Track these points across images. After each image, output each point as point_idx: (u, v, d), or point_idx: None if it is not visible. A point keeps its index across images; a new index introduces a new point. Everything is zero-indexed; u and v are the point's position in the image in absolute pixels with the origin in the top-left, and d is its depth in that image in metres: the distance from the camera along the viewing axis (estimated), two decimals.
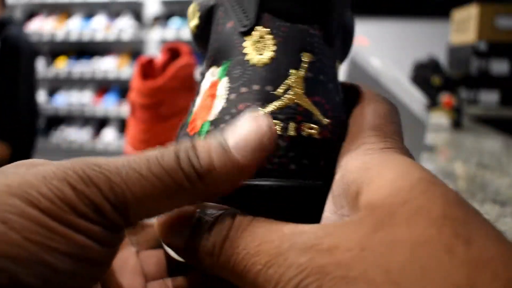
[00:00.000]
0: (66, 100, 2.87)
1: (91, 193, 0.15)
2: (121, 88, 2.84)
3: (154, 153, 0.16)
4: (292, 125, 0.18)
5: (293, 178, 0.18)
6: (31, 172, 0.15)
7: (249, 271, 0.15)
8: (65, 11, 2.92)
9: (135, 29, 2.70)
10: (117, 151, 2.73)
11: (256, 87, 0.19)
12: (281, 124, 0.18)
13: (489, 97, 1.64)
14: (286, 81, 0.19)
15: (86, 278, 0.15)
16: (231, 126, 0.17)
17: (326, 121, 0.19)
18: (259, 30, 0.20)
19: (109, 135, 2.81)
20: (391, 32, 2.52)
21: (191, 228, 0.17)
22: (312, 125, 0.18)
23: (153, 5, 2.75)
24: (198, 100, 0.22)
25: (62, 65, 2.82)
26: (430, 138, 0.92)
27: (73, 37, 2.77)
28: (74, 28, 2.77)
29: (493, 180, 0.60)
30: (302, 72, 0.19)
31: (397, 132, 0.19)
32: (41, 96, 2.91)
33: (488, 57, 1.63)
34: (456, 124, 1.09)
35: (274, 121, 0.18)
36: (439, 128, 1.08)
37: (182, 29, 2.62)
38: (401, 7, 2.55)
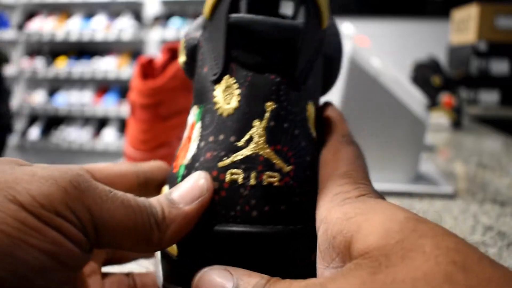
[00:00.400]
0: (66, 100, 2.87)
1: (76, 198, 0.16)
2: (121, 88, 2.84)
3: (129, 195, 0.18)
4: (253, 175, 0.19)
5: (255, 224, 0.19)
6: (20, 170, 0.16)
7: None
8: (65, 11, 2.92)
9: (135, 29, 2.70)
10: (117, 151, 2.73)
11: (221, 137, 0.20)
12: (243, 174, 0.19)
13: (489, 97, 1.64)
14: (249, 131, 0.20)
15: (57, 279, 0.15)
16: (176, 186, 0.20)
17: (288, 168, 0.20)
18: (227, 80, 0.21)
19: (109, 135, 2.81)
20: (391, 32, 2.52)
21: None
22: (272, 173, 0.19)
23: (153, 5, 2.75)
24: (185, 134, 0.23)
25: (62, 65, 2.82)
26: (430, 138, 0.92)
27: (73, 37, 2.77)
28: (74, 28, 2.77)
29: (493, 180, 0.60)
30: (264, 122, 0.20)
31: (366, 176, 0.20)
32: (41, 96, 2.92)
33: (488, 57, 1.63)
34: (456, 124, 1.09)
35: (236, 170, 0.19)
36: (439, 128, 1.08)
37: (182, 29, 2.62)
38: (401, 7, 2.55)
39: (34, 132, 2.91)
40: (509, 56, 1.63)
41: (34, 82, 3.03)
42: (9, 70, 2.92)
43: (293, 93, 0.21)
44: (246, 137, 0.20)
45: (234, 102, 0.20)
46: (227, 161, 0.19)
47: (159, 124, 0.54)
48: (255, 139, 0.20)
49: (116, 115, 2.80)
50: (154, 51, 2.69)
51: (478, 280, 0.13)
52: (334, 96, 0.52)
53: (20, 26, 2.88)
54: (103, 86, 2.93)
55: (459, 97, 1.11)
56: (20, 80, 3.00)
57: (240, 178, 0.19)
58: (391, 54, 2.31)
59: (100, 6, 2.88)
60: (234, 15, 0.20)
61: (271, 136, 0.20)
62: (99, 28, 2.74)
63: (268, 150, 0.20)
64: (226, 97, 0.20)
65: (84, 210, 0.16)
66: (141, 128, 0.53)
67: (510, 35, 1.62)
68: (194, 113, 0.23)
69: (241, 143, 0.20)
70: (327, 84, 0.26)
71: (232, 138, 0.20)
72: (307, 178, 0.20)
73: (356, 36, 0.65)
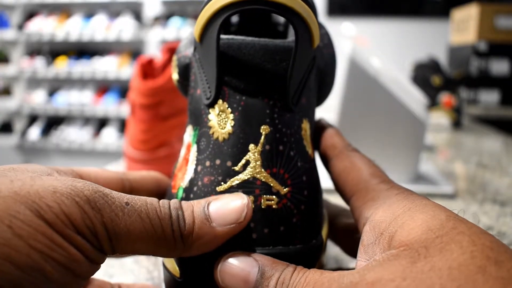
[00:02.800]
0: (66, 100, 2.87)
1: (94, 217, 0.16)
2: (121, 88, 2.84)
3: (154, 202, 0.18)
4: (251, 198, 0.19)
5: (255, 246, 0.19)
6: (40, 183, 0.16)
7: None
8: (65, 11, 2.92)
9: (135, 29, 2.70)
10: (117, 151, 2.73)
11: (218, 161, 0.20)
12: None
13: (489, 97, 1.64)
14: (245, 156, 0.20)
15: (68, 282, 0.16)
16: (215, 198, 0.19)
17: (285, 190, 0.20)
18: (220, 104, 0.21)
19: (109, 135, 2.81)
20: (391, 32, 2.52)
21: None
22: (270, 196, 0.20)
23: (153, 5, 2.75)
24: (182, 153, 0.24)
25: (62, 65, 2.82)
26: (430, 138, 0.92)
27: (73, 37, 2.77)
28: (74, 28, 2.77)
29: (493, 180, 0.60)
30: (260, 146, 0.20)
31: (384, 173, 0.22)
32: (41, 96, 2.91)
33: (488, 57, 1.63)
34: (456, 124, 1.09)
35: None
36: (439, 128, 1.08)
37: (182, 29, 2.62)
38: (401, 7, 2.55)
39: (34, 132, 2.91)
40: (509, 56, 1.63)
41: (34, 82, 3.03)
42: (9, 70, 2.92)
43: (287, 114, 0.21)
44: (242, 161, 0.20)
45: (228, 127, 0.20)
46: (225, 186, 0.20)
47: (159, 124, 0.54)
48: (252, 163, 0.20)
49: (116, 115, 2.80)
50: (154, 51, 2.69)
51: (509, 274, 0.14)
52: (334, 96, 0.52)
53: (20, 26, 2.88)
54: (103, 86, 2.93)
55: (459, 97, 1.11)
56: (20, 80, 3.00)
57: None
58: (391, 54, 2.31)
59: (100, 6, 2.88)
60: (224, 38, 0.20)
61: (267, 159, 0.20)
62: (99, 28, 2.74)
63: (264, 174, 0.20)
64: (220, 121, 0.20)
65: (101, 228, 0.16)
66: (141, 128, 0.53)
67: (510, 35, 1.61)
68: (189, 134, 0.23)
69: (237, 167, 0.20)
70: (322, 96, 0.26)
71: (229, 163, 0.20)
72: (305, 198, 0.21)
73: (356, 36, 0.65)
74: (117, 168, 0.61)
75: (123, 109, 2.72)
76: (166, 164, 0.54)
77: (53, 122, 2.96)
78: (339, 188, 0.23)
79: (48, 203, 0.15)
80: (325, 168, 0.24)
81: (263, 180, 0.20)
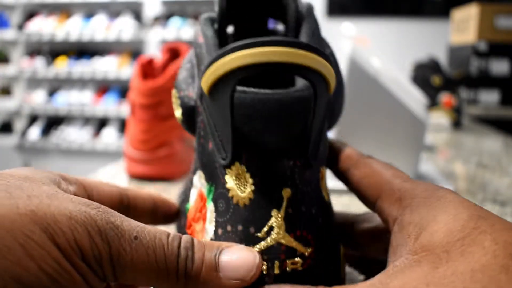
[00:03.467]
0: (66, 100, 2.87)
1: (102, 248, 0.16)
2: (121, 88, 2.84)
3: (163, 237, 0.18)
4: (276, 264, 0.19)
5: None
6: (56, 205, 0.16)
7: None
8: (65, 11, 2.92)
9: (135, 29, 2.70)
10: (117, 151, 2.73)
11: (240, 227, 0.20)
12: (266, 264, 0.19)
13: (489, 97, 1.64)
14: (268, 222, 0.19)
15: None
16: (229, 247, 0.19)
17: (309, 250, 0.20)
18: (238, 167, 0.20)
19: (109, 135, 2.81)
20: (391, 32, 2.52)
21: None
22: (295, 259, 0.19)
23: (153, 5, 2.75)
24: (193, 197, 0.23)
25: (62, 65, 2.82)
26: (430, 138, 0.92)
27: (73, 37, 2.77)
28: (74, 28, 2.77)
29: (493, 180, 0.60)
30: (282, 211, 0.19)
31: (404, 173, 0.22)
32: (41, 96, 2.91)
33: (488, 57, 1.63)
34: (456, 124, 1.09)
35: None
36: (439, 128, 1.08)
37: (182, 29, 2.62)
38: (401, 7, 2.55)
39: (34, 132, 2.91)
40: (509, 56, 1.63)
41: (34, 82, 3.03)
42: (9, 70, 2.92)
43: (307, 171, 0.20)
44: (266, 228, 0.19)
45: (248, 191, 0.19)
46: None
47: (159, 124, 0.54)
48: (275, 229, 0.19)
49: (116, 115, 2.80)
50: (154, 51, 2.69)
51: None
52: None
53: (20, 26, 2.88)
54: (103, 86, 2.93)
55: (459, 97, 1.11)
56: (20, 80, 3.00)
57: (264, 268, 0.19)
58: (391, 54, 2.31)
59: (100, 6, 2.88)
60: (235, 93, 0.19)
61: (290, 223, 0.19)
62: (99, 28, 2.74)
63: (288, 238, 0.19)
64: (239, 185, 0.20)
65: (107, 259, 0.17)
66: (141, 128, 0.53)
67: (510, 35, 1.61)
68: (201, 181, 0.22)
69: (261, 234, 0.19)
70: (332, 122, 0.25)
71: (252, 230, 0.19)
72: (326, 250, 0.20)
73: (356, 36, 0.65)
74: (117, 168, 0.61)
75: (123, 109, 2.72)
76: (166, 164, 0.54)
77: (53, 122, 2.96)
78: (362, 194, 0.23)
79: (62, 229, 0.16)
80: (342, 180, 0.24)
81: (287, 244, 0.19)
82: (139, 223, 0.18)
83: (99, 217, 0.17)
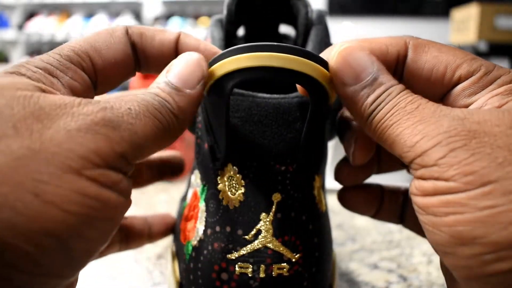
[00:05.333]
0: None
1: (121, 142, 0.15)
2: (121, 88, 2.84)
3: (148, 100, 0.16)
4: (262, 267, 0.19)
5: None
6: (59, 130, 0.14)
7: (399, 124, 0.16)
8: (65, 11, 2.92)
9: None
10: None
11: (228, 229, 0.20)
12: (252, 267, 0.19)
13: None
14: (256, 225, 0.19)
15: (107, 235, 0.15)
16: (170, 65, 0.18)
17: (296, 257, 0.20)
18: (230, 168, 0.20)
19: None
20: (391, 32, 2.52)
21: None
22: (282, 264, 0.19)
23: (153, 5, 2.75)
24: (189, 195, 0.23)
25: None
26: None
27: (73, 37, 2.77)
28: (74, 28, 2.77)
29: None
30: (271, 215, 0.19)
31: None
32: None
33: (488, 57, 1.63)
34: None
35: (245, 264, 0.19)
36: None
37: (182, 29, 2.62)
38: (401, 7, 2.55)
39: None
40: (509, 56, 1.63)
41: None
42: None
43: (299, 178, 0.20)
44: (253, 231, 0.19)
45: (239, 193, 0.19)
46: (235, 254, 0.19)
47: None
48: (263, 233, 0.19)
49: None
50: None
51: None
52: None
53: (20, 26, 2.88)
54: None
55: None
56: None
57: (249, 271, 0.19)
58: None
59: (100, 6, 2.88)
60: (233, 95, 0.19)
61: (279, 228, 0.19)
62: (99, 28, 2.74)
63: (276, 243, 0.19)
64: (231, 186, 0.20)
65: (129, 149, 0.15)
66: None
67: (510, 35, 1.62)
68: (196, 180, 0.22)
69: (248, 237, 0.19)
70: (334, 131, 0.25)
71: (240, 232, 0.19)
72: (316, 259, 0.20)
73: (356, 36, 0.65)
74: None
75: None
76: None
77: None
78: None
79: (76, 152, 0.13)
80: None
81: (274, 249, 0.19)
82: None
83: (101, 115, 0.15)
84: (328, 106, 0.20)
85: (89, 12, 2.88)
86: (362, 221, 0.42)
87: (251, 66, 0.17)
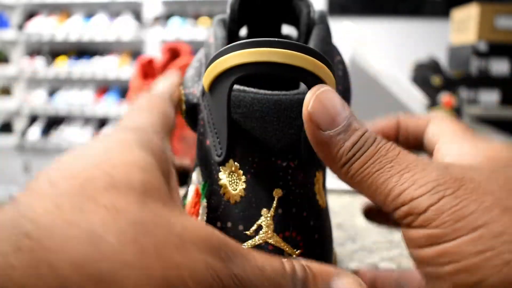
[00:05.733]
0: (66, 100, 2.86)
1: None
2: (121, 88, 2.84)
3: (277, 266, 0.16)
4: None
5: None
6: (178, 233, 0.13)
7: (382, 172, 0.16)
8: (65, 11, 2.92)
9: (135, 29, 2.70)
10: None
11: (229, 224, 0.20)
12: None
13: (489, 97, 1.64)
14: (257, 221, 0.19)
15: None
16: (337, 272, 0.17)
17: (297, 252, 0.20)
18: (231, 164, 0.20)
19: None
20: (391, 32, 2.52)
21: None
22: None
23: (153, 5, 2.75)
24: (191, 192, 0.23)
25: (62, 65, 2.82)
26: None
27: (73, 37, 2.77)
28: (74, 28, 2.77)
29: None
30: (272, 211, 0.19)
31: None
32: (41, 96, 2.91)
33: (488, 57, 1.63)
34: None
35: None
36: None
37: (182, 29, 2.62)
38: (401, 7, 2.55)
39: (34, 132, 2.90)
40: (509, 56, 1.63)
41: (34, 82, 3.02)
42: (9, 70, 2.92)
43: (301, 174, 0.20)
44: (254, 227, 0.19)
45: (240, 188, 0.19)
46: None
47: None
48: (264, 228, 0.19)
49: (116, 115, 2.80)
50: (154, 51, 2.69)
51: None
52: None
53: (20, 26, 2.88)
54: (103, 86, 2.93)
55: (459, 97, 1.11)
56: (20, 80, 3.00)
57: None
58: (391, 54, 2.31)
59: (100, 6, 2.88)
60: (235, 89, 0.19)
61: (280, 224, 0.19)
62: (99, 28, 2.74)
63: (277, 238, 0.19)
64: (232, 182, 0.20)
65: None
66: None
67: (510, 35, 1.62)
68: (198, 177, 0.22)
69: (249, 232, 0.19)
70: None
71: (240, 227, 0.19)
72: (316, 256, 0.20)
73: (356, 36, 0.65)
74: None
75: (123, 109, 2.72)
76: None
77: (53, 122, 2.96)
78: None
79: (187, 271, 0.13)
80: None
81: (275, 244, 0.19)
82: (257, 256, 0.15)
83: (215, 246, 0.14)
84: None
85: (89, 12, 2.88)
86: (362, 221, 0.42)
87: (251, 62, 0.17)
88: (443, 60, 1.84)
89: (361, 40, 0.61)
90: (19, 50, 2.98)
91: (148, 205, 0.13)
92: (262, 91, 0.19)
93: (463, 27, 1.76)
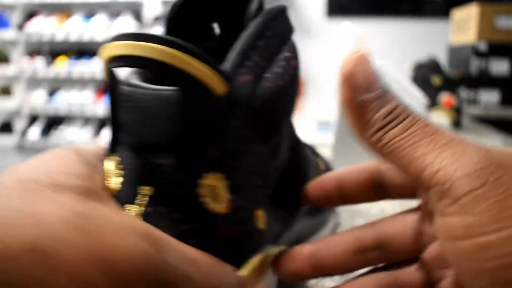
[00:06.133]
0: (66, 100, 2.87)
1: None
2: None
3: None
4: None
5: None
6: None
7: (420, 145, 0.16)
8: (65, 11, 2.92)
9: (135, 29, 2.70)
10: None
11: None
12: None
13: (489, 97, 1.64)
14: None
15: None
16: None
17: None
18: (114, 157, 0.19)
19: (109, 135, 2.81)
20: (391, 32, 2.52)
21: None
22: None
23: (153, 5, 2.75)
24: None
25: (62, 65, 2.82)
26: None
27: (73, 37, 2.77)
28: (74, 28, 2.77)
29: None
30: (140, 208, 0.19)
31: None
32: (41, 96, 2.92)
33: (488, 57, 1.63)
34: (456, 124, 1.09)
35: None
36: None
37: None
38: (401, 7, 2.55)
39: (34, 132, 2.91)
40: (509, 56, 1.63)
41: (34, 82, 3.03)
42: (9, 70, 2.92)
43: (178, 173, 0.19)
44: None
45: (117, 183, 0.19)
46: None
47: None
48: None
49: None
50: None
51: None
52: (333, 96, 0.51)
53: (20, 26, 2.88)
54: (103, 86, 2.93)
55: (459, 97, 1.11)
56: (20, 80, 3.00)
57: None
58: (391, 54, 2.31)
59: (100, 6, 2.88)
60: (124, 83, 0.19)
61: (147, 222, 0.18)
62: (99, 28, 2.74)
63: None
64: (115, 174, 0.19)
65: None
66: None
67: (510, 35, 1.62)
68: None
69: None
70: (267, 134, 0.22)
71: None
72: None
73: (356, 35, 0.65)
74: None
75: None
76: None
77: (53, 122, 2.96)
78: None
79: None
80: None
81: None
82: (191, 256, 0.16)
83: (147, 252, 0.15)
84: (217, 99, 0.18)
85: (89, 12, 2.88)
86: (362, 221, 0.42)
87: (123, 55, 0.18)
88: (443, 60, 1.84)
89: (361, 40, 0.61)
90: (19, 50, 2.98)
91: (88, 203, 0.15)
92: (147, 85, 0.19)
93: (463, 27, 1.76)
